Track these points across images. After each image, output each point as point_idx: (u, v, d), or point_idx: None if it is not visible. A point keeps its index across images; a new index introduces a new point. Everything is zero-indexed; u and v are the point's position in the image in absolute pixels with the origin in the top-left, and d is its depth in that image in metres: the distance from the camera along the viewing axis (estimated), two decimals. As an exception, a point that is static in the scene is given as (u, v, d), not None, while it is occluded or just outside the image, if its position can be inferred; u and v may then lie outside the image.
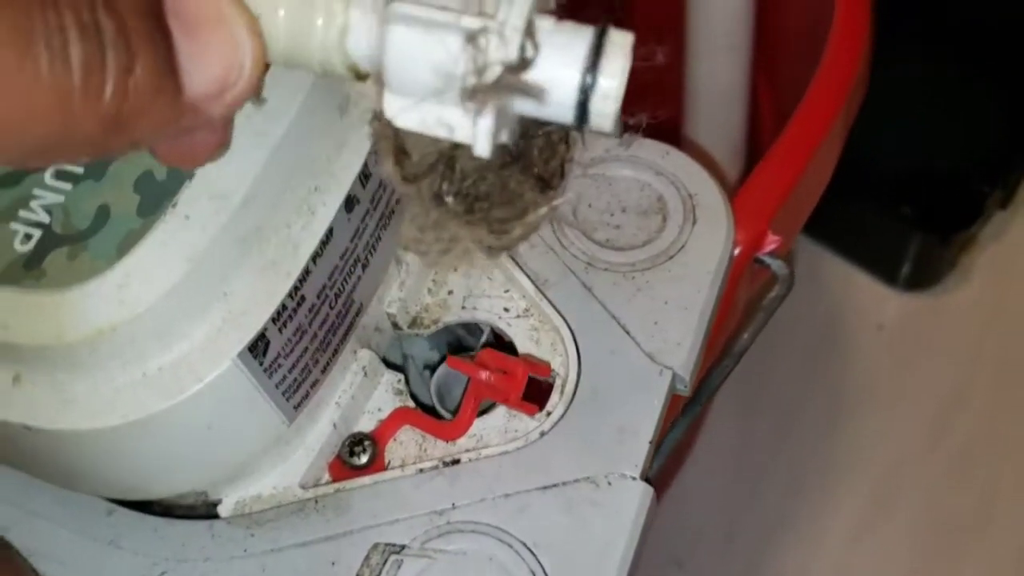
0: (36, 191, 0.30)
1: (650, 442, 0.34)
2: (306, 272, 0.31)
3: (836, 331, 0.78)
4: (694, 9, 0.61)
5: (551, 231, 0.39)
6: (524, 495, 0.33)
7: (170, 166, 0.29)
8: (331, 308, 0.33)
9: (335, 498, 0.34)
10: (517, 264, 0.38)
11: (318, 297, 0.32)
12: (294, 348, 0.32)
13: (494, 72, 0.20)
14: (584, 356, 0.36)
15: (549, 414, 0.35)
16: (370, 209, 0.34)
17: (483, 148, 0.21)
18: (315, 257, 0.31)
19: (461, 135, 0.21)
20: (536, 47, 0.21)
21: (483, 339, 0.38)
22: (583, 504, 0.33)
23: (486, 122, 0.21)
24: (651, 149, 0.40)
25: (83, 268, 0.29)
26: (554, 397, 0.35)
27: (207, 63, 0.21)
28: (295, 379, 0.32)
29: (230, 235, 0.30)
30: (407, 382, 0.37)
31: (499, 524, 0.33)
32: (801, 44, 0.60)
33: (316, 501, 0.34)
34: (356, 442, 0.35)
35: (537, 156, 0.23)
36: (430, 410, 0.36)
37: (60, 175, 0.30)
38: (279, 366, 0.31)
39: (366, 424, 0.36)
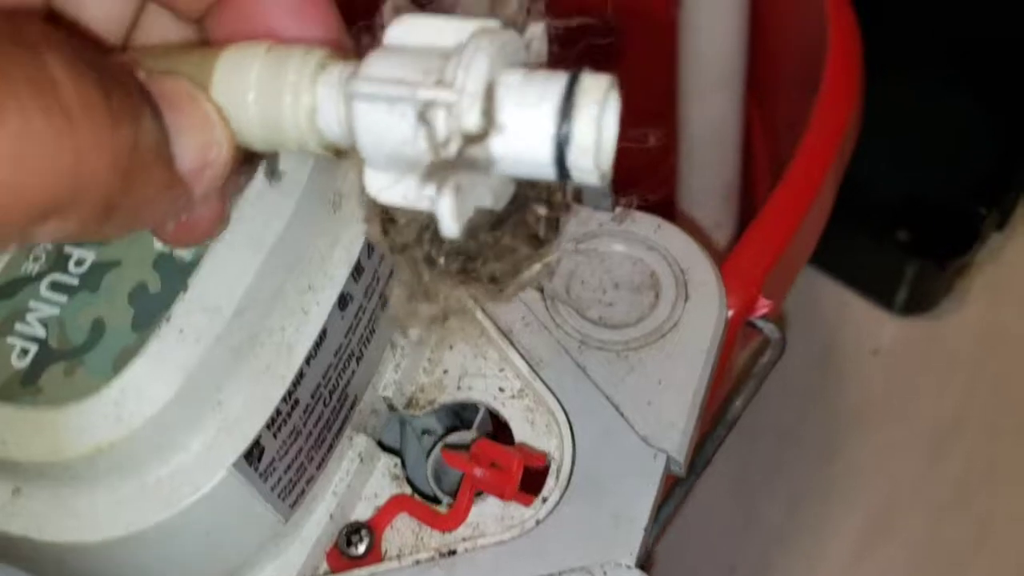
0: (32, 303, 0.30)
1: (645, 529, 0.34)
2: (300, 375, 0.32)
3: (832, 356, 0.78)
4: (685, 47, 0.61)
5: (544, 308, 0.39)
6: (520, 585, 0.33)
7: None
8: (325, 406, 0.33)
9: (334, 589, 0.34)
10: (511, 343, 0.38)
11: (312, 397, 0.32)
12: (289, 450, 0.32)
13: (455, 144, 0.20)
14: (579, 439, 0.36)
15: (545, 500, 0.35)
16: (363, 304, 0.34)
17: (448, 228, 0.20)
18: (309, 359, 0.32)
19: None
20: (491, 115, 0.20)
21: (479, 418, 0.38)
22: (579, 594, 0.33)
23: (446, 202, 0.20)
24: (644, 223, 0.40)
25: (80, 385, 0.29)
26: (549, 482, 0.36)
27: (191, 136, 0.22)
28: (291, 479, 0.32)
29: (224, 345, 0.30)
30: (403, 464, 0.37)
31: (496, 616, 0.33)
32: (794, 82, 0.60)
33: (315, 592, 0.34)
34: (353, 531, 0.35)
35: (530, 212, 0.23)
36: (428, 494, 0.37)
37: (55, 287, 0.31)
38: (274, 469, 0.32)
39: (363, 511, 0.36)
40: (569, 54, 0.22)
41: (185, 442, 0.30)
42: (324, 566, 0.35)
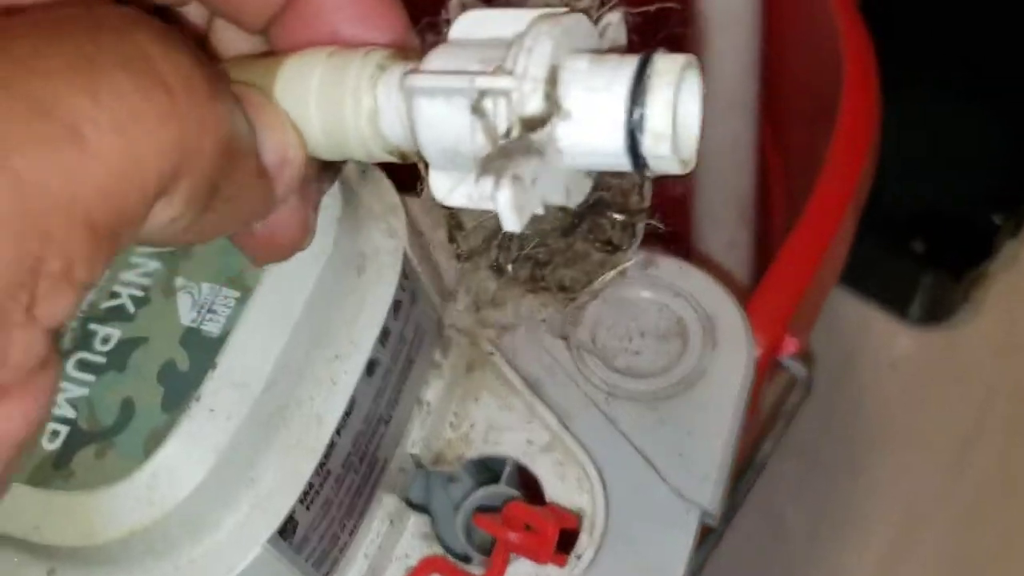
0: (61, 384, 0.30)
1: (680, 584, 0.34)
2: (331, 446, 0.31)
3: (850, 369, 0.78)
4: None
5: (570, 358, 0.39)
6: (557, 647, 0.33)
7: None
8: (356, 473, 0.33)
9: (368, 654, 0.34)
10: (538, 396, 0.38)
11: (343, 466, 0.32)
12: (322, 521, 0.32)
13: (515, 133, 0.18)
14: (611, 493, 0.36)
15: (579, 557, 0.35)
16: (391, 366, 0.34)
17: (509, 222, 0.18)
18: (339, 429, 0.31)
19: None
20: (556, 101, 0.18)
21: (506, 471, 0.38)
22: (616, 655, 0.33)
23: (505, 194, 0.18)
24: (667, 267, 0.40)
25: (111, 467, 0.29)
26: (583, 538, 0.35)
27: (269, 133, 0.22)
28: (324, 549, 0.32)
29: (254, 421, 0.30)
30: (433, 522, 0.37)
31: None
32: (809, 101, 0.60)
33: (349, 658, 0.34)
34: (386, 594, 0.35)
35: (604, 217, 0.22)
36: (458, 551, 0.36)
37: (83, 366, 0.30)
38: (307, 541, 0.31)
39: (394, 572, 0.36)
40: (649, 43, 0.21)
41: (218, 521, 0.30)
42: (358, 630, 0.35)
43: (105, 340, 0.31)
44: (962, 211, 0.75)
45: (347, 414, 0.32)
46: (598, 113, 0.18)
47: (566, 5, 0.21)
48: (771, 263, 0.47)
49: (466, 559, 0.36)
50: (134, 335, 0.31)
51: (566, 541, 0.35)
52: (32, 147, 0.17)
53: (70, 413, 0.30)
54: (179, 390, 0.29)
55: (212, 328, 0.30)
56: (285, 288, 0.31)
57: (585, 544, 0.35)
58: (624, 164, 0.19)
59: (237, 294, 0.31)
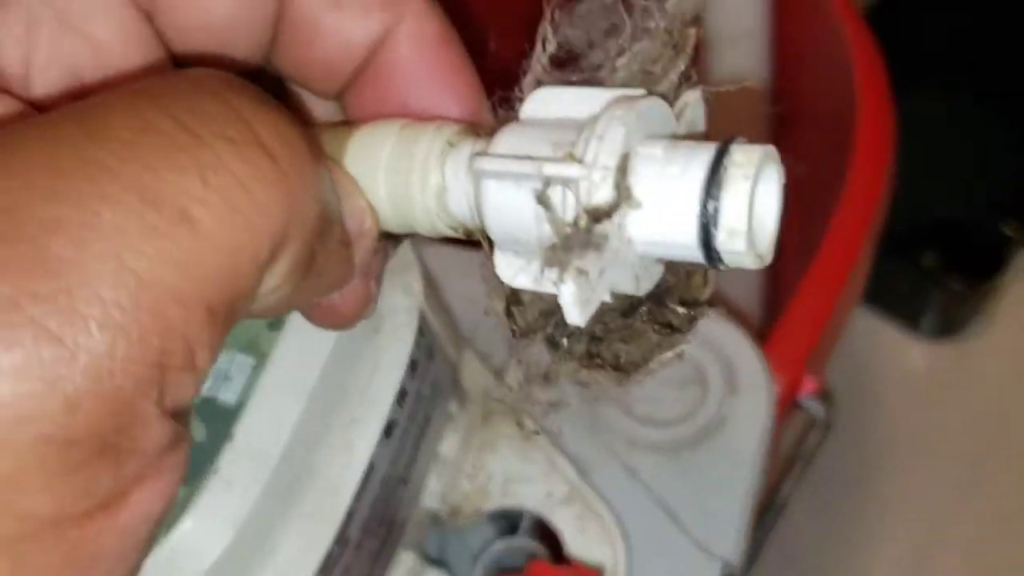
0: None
1: (704, 640, 0.34)
2: (350, 514, 0.31)
3: (862, 385, 0.77)
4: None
5: (588, 407, 0.38)
6: None
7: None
8: (375, 537, 0.32)
9: None
10: (556, 446, 0.37)
11: (362, 532, 0.32)
12: (343, 588, 0.31)
13: (582, 224, 0.18)
14: (632, 547, 0.35)
15: (601, 614, 0.34)
16: (408, 426, 0.33)
17: (572, 316, 0.18)
18: (357, 496, 0.31)
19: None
20: (626, 190, 0.18)
21: (524, 523, 0.37)
22: None
23: (568, 288, 0.17)
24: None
25: (128, 544, 0.28)
26: (604, 594, 0.35)
27: (351, 201, 0.21)
28: (345, 616, 0.32)
29: (272, 492, 0.29)
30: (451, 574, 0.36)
31: None
32: (821, 124, 0.59)
33: None
34: (407, 654, 0.34)
35: (667, 307, 0.21)
36: (478, 606, 0.36)
37: (96, 438, 0.30)
38: (329, 610, 0.31)
39: (415, 631, 0.35)
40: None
41: (238, 595, 0.29)
42: None
43: (119, 410, 0.30)
44: (972, 223, 0.75)
45: (365, 480, 0.31)
46: (670, 205, 0.17)
47: (647, 81, 0.20)
48: (782, 289, 0.46)
49: (487, 614, 0.36)
50: (148, 405, 0.30)
51: (588, 594, 0.35)
52: (148, 243, 0.16)
53: (85, 487, 0.29)
54: (196, 462, 0.29)
55: (228, 396, 0.30)
56: (302, 353, 0.30)
57: (608, 600, 0.35)
58: (696, 257, 0.18)
59: (253, 361, 0.30)
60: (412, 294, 0.33)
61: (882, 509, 0.72)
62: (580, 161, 0.18)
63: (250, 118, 0.18)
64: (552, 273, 0.18)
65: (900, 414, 0.75)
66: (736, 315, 0.41)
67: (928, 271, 0.74)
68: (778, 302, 0.47)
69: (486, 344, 0.39)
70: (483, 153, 0.20)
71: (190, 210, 0.17)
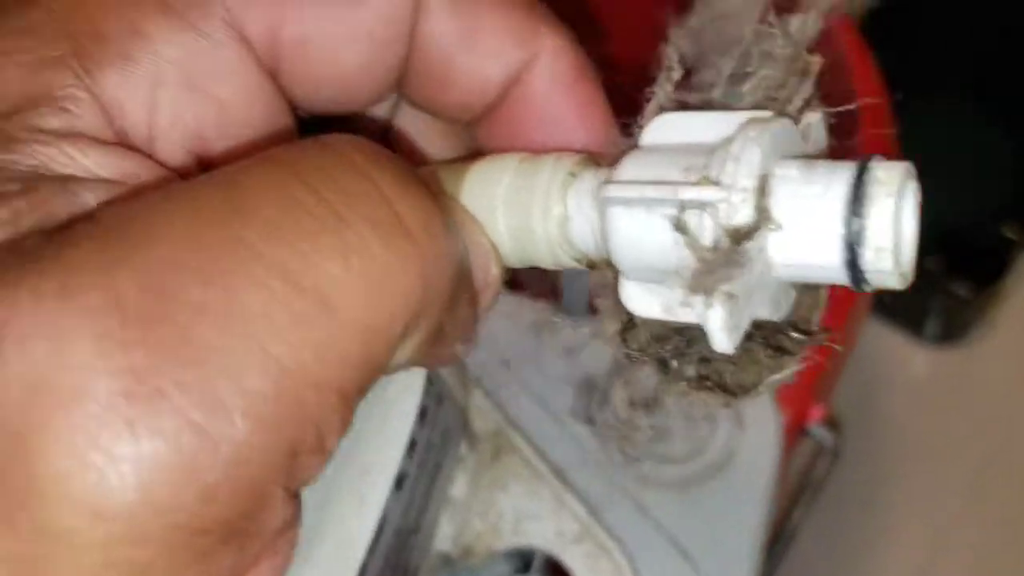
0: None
1: (718, 678, 0.34)
2: (363, 568, 0.31)
3: (865, 391, 0.77)
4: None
5: (597, 444, 0.38)
6: None
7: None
8: (390, 587, 0.33)
9: None
10: (566, 483, 0.37)
11: (377, 583, 0.32)
12: (358, 641, 0.31)
13: (725, 248, 0.17)
14: (644, 585, 0.36)
15: (614, 654, 0.35)
16: (419, 476, 0.33)
17: (720, 343, 0.17)
18: (371, 549, 0.31)
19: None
20: (767, 212, 0.17)
21: (536, 561, 0.37)
22: None
23: (717, 314, 0.17)
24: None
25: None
26: (617, 634, 0.35)
27: (477, 251, 0.21)
28: (361, 668, 0.32)
29: (287, 550, 0.29)
30: (466, 616, 0.36)
31: None
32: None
33: None
34: None
35: (784, 335, 0.20)
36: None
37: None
38: (345, 663, 0.31)
39: (430, 674, 0.35)
40: (849, 144, 0.20)
41: (254, 654, 0.29)
42: None
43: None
44: (975, 228, 0.75)
45: (378, 533, 0.31)
46: (812, 225, 0.17)
47: (771, 106, 0.20)
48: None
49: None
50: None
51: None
52: (290, 330, 0.16)
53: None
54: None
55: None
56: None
57: (621, 640, 0.35)
58: (840, 278, 0.17)
59: (262, 418, 0.30)
60: (419, 343, 0.33)
61: (887, 516, 0.72)
62: (716, 184, 0.17)
63: (392, 197, 0.17)
64: (698, 300, 0.17)
65: (904, 420, 0.75)
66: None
67: (931, 276, 0.74)
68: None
69: (494, 382, 0.39)
70: (611, 181, 0.19)
71: (331, 296, 0.16)
